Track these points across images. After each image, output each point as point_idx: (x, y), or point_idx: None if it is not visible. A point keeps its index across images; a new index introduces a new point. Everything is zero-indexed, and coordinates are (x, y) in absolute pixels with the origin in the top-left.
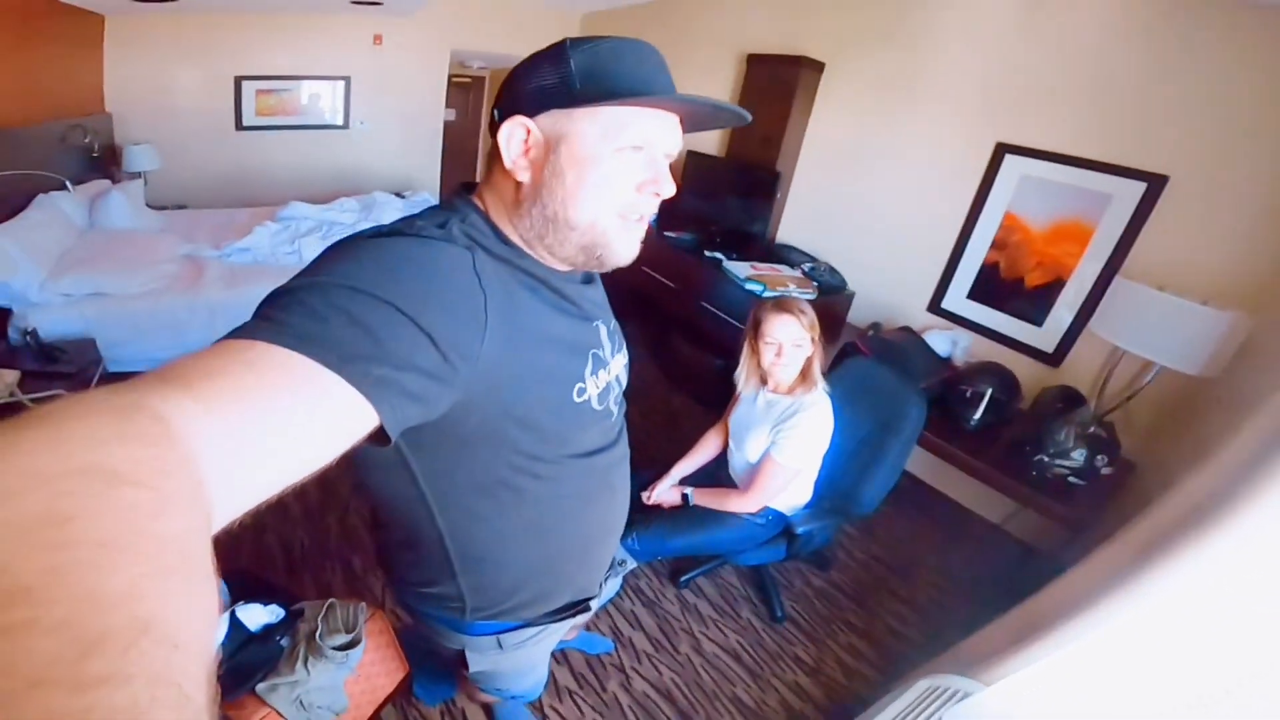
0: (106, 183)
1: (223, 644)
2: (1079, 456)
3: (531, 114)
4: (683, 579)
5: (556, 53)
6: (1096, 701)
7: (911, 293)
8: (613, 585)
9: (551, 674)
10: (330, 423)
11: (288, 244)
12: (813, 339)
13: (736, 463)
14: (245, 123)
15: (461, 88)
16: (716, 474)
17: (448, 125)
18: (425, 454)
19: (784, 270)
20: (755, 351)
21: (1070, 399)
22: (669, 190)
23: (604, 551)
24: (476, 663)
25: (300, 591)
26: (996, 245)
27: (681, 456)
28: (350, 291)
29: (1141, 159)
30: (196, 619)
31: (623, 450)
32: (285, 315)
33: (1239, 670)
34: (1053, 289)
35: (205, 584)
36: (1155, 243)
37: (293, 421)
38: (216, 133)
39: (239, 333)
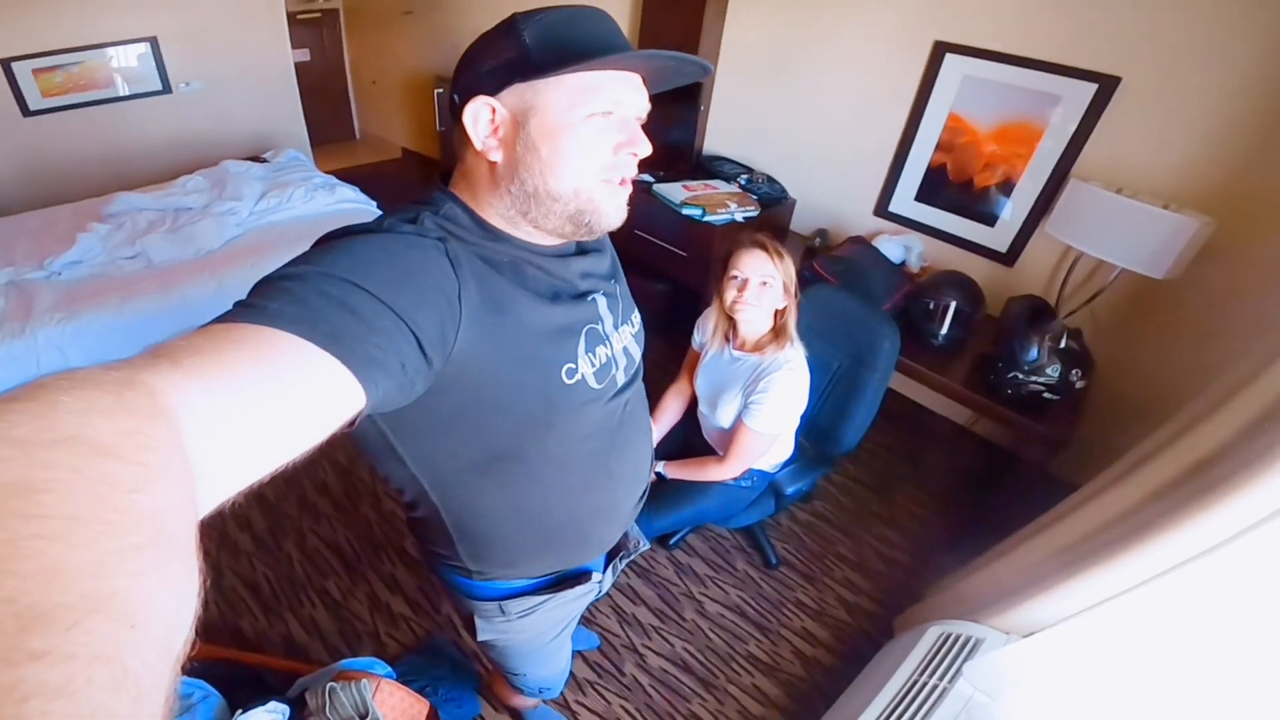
0: None
1: None
2: (1053, 373)
3: (494, 92)
4: (672, 541)
5: (508, 28)
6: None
7: (856, 197)
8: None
9: (571, 672)
10: (319, 398)
11: (127, 246)
12: (786, 286)
13: (709, 426)
14: (33, 107)
15: (310, 24)
16: (687, 438)
17: (303, 66)
18: (407, 436)
19: (720, 187)
20: (720, 296)
21: (1038, 310)
22: (645, 149)
23: (604, 532)
24: (484, 630)
25: (285, 634)
26: (942, 147)
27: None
28: (330, 278)
29: (1092, 59)
30: (165, 598)
31: (632, 431)
32: (268, 301)
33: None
34: (1003, 189)
35: (182, 562)
36: (1109, 144)
37: (283, 394)
38: None
39: (223, 318)
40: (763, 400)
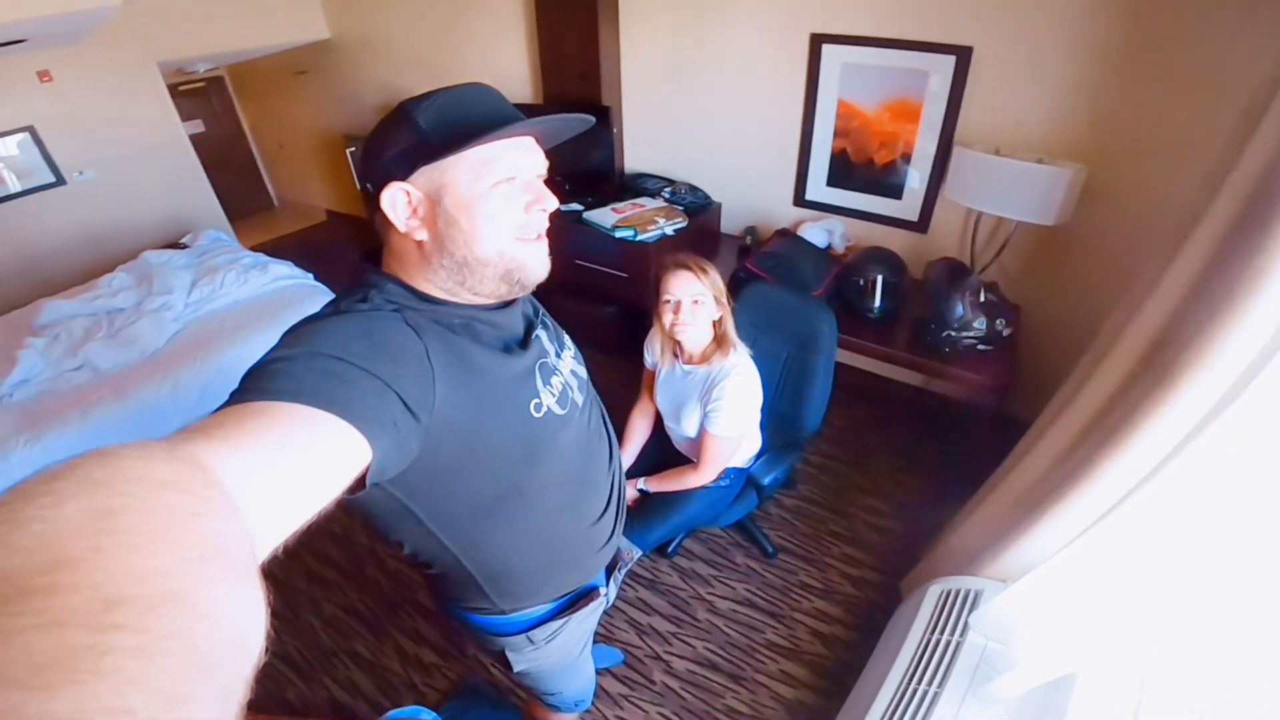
0: None
1: None
2: (980, 325)
3: (404, 177)
4: (669, 550)
5: (402, 116)
6: (1125, 584)
7: (774, 191)
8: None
9: (601, 687)
10: (334, 455)
11: (69, 358)
12: (717, 299)
13: (677, 437)
14: None
15: (195, 94)
16: (660, 451)
17: (199, 138)
18: (419, 496)
19: (647, 204)
20: (660, 317)
21: (954, 270)
22: (552, 204)
23: (600, 537)
24: (518, 662)
25: (329, 697)
26: (839, 133)
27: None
28: (315, 356)
29: (947, 33)
30: (231, 601)
31: (597, 441)
32: (265, 383)
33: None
34: (903, 163)
35: (245, 576)
36: (980, 109)
37: (303, 453)
38: None
39: (228, 404)
40: (720, 407)
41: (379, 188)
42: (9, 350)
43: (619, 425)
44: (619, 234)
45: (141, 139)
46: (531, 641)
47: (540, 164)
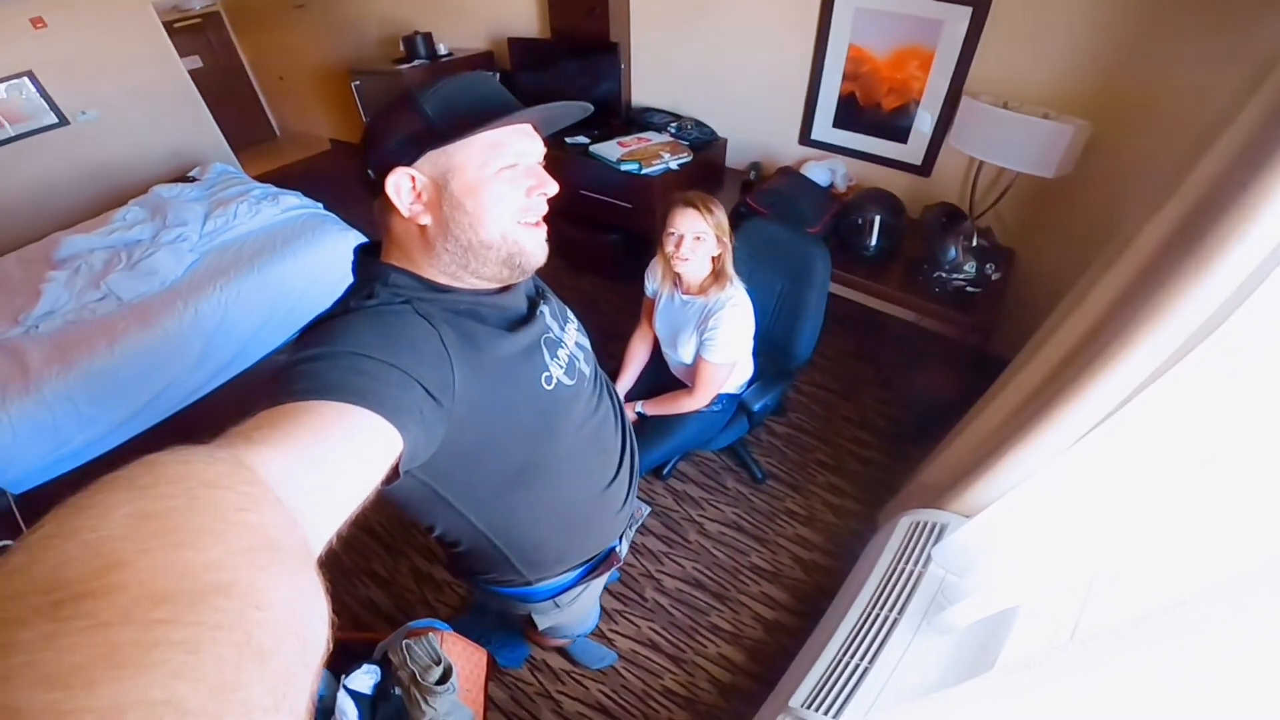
0: None
1: (360, 717)
2: (970, 269)
3: (410, 162)
4: (665, 471)
5: (407, 103)
6: (1064, 527)
7: (781, 129)
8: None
9: (600, 604)
10: (368, 447)
11: (92, 290)
12: (719, 237)
13: (673, 363)
14: None
15: (191, 30)
16: (657, 375)
17: (198, 74)
18: (447, 480)
19: (653, 139)
20: (663, 246)
21: (951, 215)
22: (553, 189)
23: (616, 500)
24: (542, 621)
25: (351, 615)
26: (848, 76)
27: (618, 367)
28: (337, 354)
29: None
30: (286, 590)
31: (605, 409)
32: (294, 384)
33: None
34: (908, 109)
35: (299, 566)
36: (992, 61)
37: (339, 448)
38: None
39: (264, 406)
40: (715, 336)
41: (383, 174)
42: (31, 284)
43: (621, 350)
44: (624, 167)
45: (141, 77)
46: (558, 605)
47: (539, 150)
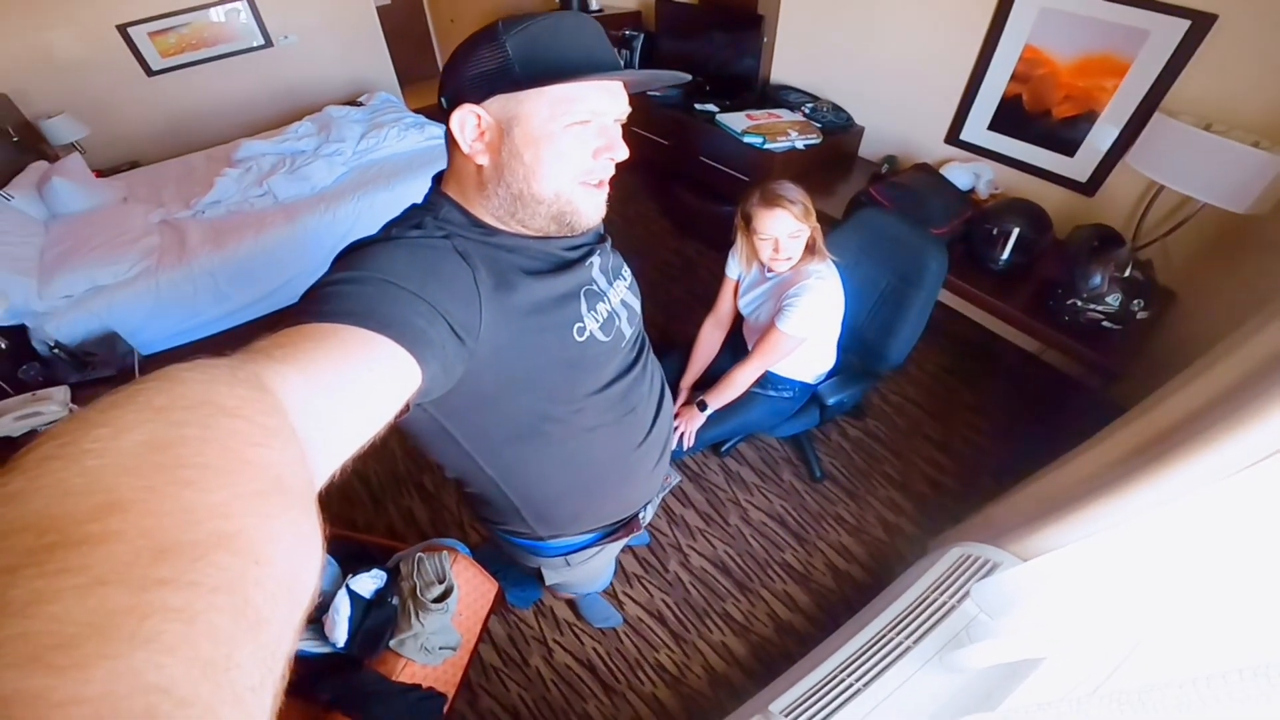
0: (42, 165)
1: (351, 617)
2: (1114, 301)
3: (479, 100)
4: (724, 448)
5: (491, 37)
6: (1119, 588)
7: (926, 125)
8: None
9: (620, 564)
10: (388, 375)
11: (256, 187)
12: (805, 219)
13: (752, 334)
14: (155, 68)
15: None
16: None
17: (384, 11)
18: (457, 418)
19: (783, 115)
20: (749, 242)
21: (1106, 239)
22: (622, 154)
23: (642, 467)
24: (551, 577)
25: (389, 522)
26: (1018, 78)
27: (691, 340)
28: (368, 280)
29: None
30: (289, 540)
31: (639, 372)
32: (322, 305)
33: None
34: (1084, 120)
35: (303, 513)
36: (1200, 80)
37: (361, 378)
38: (128, 85)
39: (290, 323)
40: (794, 304)
41: (453, 105)
42: (209, 177)
43: (704, 316)
44: (747, 139)
45: (338, 10)
46: (569, 564)
47: (621, 109)
